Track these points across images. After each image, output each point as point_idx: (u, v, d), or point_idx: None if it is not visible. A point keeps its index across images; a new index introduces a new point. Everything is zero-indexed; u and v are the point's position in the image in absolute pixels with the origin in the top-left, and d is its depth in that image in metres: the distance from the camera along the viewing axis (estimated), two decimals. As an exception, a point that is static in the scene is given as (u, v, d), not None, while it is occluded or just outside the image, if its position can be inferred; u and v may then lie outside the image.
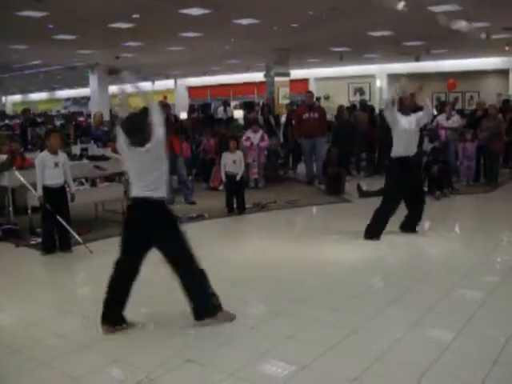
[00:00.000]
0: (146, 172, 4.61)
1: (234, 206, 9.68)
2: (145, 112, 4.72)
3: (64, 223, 7.05)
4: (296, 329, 4.60)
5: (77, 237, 7.18)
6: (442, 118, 12.76)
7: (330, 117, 15.60)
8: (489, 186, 11.79)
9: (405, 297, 5.41)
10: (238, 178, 9.72)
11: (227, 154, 9.84)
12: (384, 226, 7.54)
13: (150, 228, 4.62)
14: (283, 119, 15.34)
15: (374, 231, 7.53)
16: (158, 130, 4.60)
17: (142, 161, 4.61)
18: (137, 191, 4.66)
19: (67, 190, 7.36)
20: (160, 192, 4.64)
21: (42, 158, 7.14)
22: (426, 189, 10.91)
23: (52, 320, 5.05)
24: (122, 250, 4.74)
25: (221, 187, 11.70)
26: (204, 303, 4.76)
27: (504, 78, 23.67)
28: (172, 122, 10.44)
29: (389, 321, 4.78)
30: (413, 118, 7.55)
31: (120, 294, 4.72)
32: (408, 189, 7.52)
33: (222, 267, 6.53)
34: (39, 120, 19.33)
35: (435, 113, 12.68)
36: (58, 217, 7.02)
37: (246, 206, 9.80)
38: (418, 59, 21.67)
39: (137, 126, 4.63)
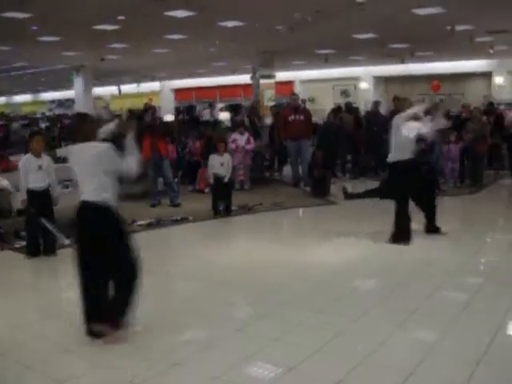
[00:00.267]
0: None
1: (220, 208, 9.67)
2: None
3: (49, 226, 7.00)
4: (282, 331, 4.60)
5: (62, 238, 7.08)
6: (427, 120, 12.81)
7: (316, 119, 15.65)
8: (474, 187, 11.87)
9: (389, 299, 5.43)
10: (225, 180, 9.72)
11: (215, 156, 9.83)
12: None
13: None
14: (267, 121, 15.31)
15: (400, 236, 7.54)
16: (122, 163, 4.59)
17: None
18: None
19: (51, 193, 7.31)
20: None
21: (26, 160, 7.09)
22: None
23: (36, 323, 5.03)
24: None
25: (207, 190, 11.68)
26: (117, 313, 4.52)
27: (488, 81, 23.86)
28: (158, 125, 10.39)
29: (373, 323, 4.80)
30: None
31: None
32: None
33: (208, 270, 6.54)
34: (24, 122, 19.24)
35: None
36: (42, 220, 6.97)
37: (232, 208, 9.79)
38: (403, 61, 21.80)
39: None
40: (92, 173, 4.53)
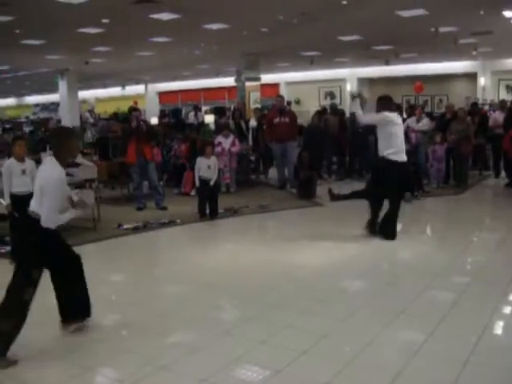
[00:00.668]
0: None
1: (207, 211, 9.64)
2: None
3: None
4: (269, 333, 4.59)
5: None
6: (411, 121, 12.88)
7: (301, 121, 15.68)
8: (458, 188, 11.93)
9: (376, 300, 5.44)
10: (211, 183, 9.69)
11: (202, 159, 9.80)
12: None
13: None
14: (252, 123, 15.30)
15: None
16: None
17: None
18: None
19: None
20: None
21: (9, 165, 7.04)
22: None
23: (22, 331, 4.95)
24: None
25: (192, 192, 11.66)
26: None
27: (472, 82, 24.03)
28: (142, 129, 10.33)
29: (360, 324, 4.80)
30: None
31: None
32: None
33: (195, 273, 6.52)
34: (7, 126, 19.10)
35: (405, 116, 12.79)
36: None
37: (219, 211, 9.77)
38: (387, 63, 21.91)
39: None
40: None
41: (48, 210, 4.38)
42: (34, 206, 4.50)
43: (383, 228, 7.73)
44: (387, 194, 7.70)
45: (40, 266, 4.47)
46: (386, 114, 7.63)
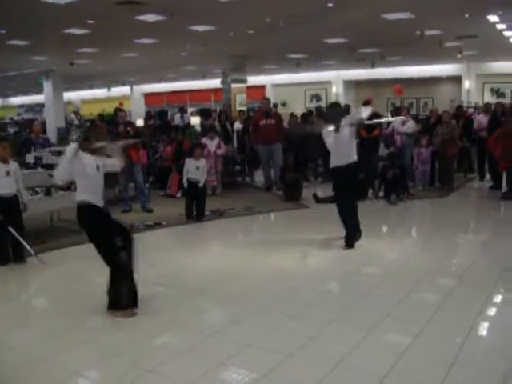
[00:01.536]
0: None
1: (194, 213, 9.61)
2: None
3: (16, 234, 6.84)
4: (255, 337, 4.58)
5: (28, 248, 6.95)
6: (397, 124, 12.94)
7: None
8: (444, 190, 11.99)
9: (362, 302, 5.44)
10: (200, 184, 9.67)
11: (191, 161, 9.77)
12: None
13: None
14: (236, 126, 15.28)
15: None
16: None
17: None
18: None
19: (20, 199, 7.18)
20: None
21: None
22: (381, 193, 11.09)
23: (6, 333, 4.92)
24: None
25: (178, 194, 11.63)
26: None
27: (457, 85, 24.19)
28: (129, 133, 10.22)
29: (346, 327, 4.80)
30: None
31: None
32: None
33: (180, 275, 6.50)
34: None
35: (391, 119, 12.82)
36: (9, 228, 6.83)
37: (205, 213, 9.75)
38: (373, 66, 21.99)
39: None
40: None
41: None
42: None
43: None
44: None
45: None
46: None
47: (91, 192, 5.16)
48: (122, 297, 5.05)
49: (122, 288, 5.05)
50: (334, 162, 7.52)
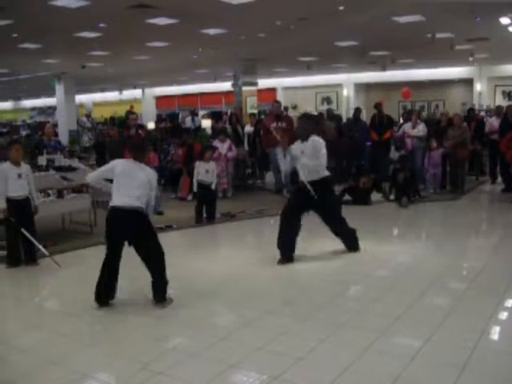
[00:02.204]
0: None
1: (204, 215, 9.63)
2: None
3: (29, 236, 6.89)
4: (265, 339, 4.58)
5: (43, 249, 7.01)
6: (407, 127, 12.92)
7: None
8: (455, 193, 11.94)
9: (373, 305, 5.43)
10: (212, 186, 9.69)
11: (201, 163, 9.79)
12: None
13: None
14: (247, 129, 15.28)
15: None
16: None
17: None
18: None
19: (31, 201, 7.23)
20: None
21: (4, 169, 6.99)
22: (392, 196, 11.07)
23: (18, 335, 4.95)
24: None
25: (189, 197, 11.65)
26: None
27: (469, 87, 24.10)
28: (140, 136, 10.26)
29: (356, 330, 4.78)
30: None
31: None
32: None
33: (191, 277, 6.51)
34: (3, 130, 19.12)
35: (401, 121, 12.83)
36: (22, 230, 6.88)
37: (216, 215, 9.76)
38: (384, 69, 21.96)
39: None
40: None
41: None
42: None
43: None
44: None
45: None
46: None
47: None
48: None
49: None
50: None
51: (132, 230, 5.39)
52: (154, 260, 5.46)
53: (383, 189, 11.40)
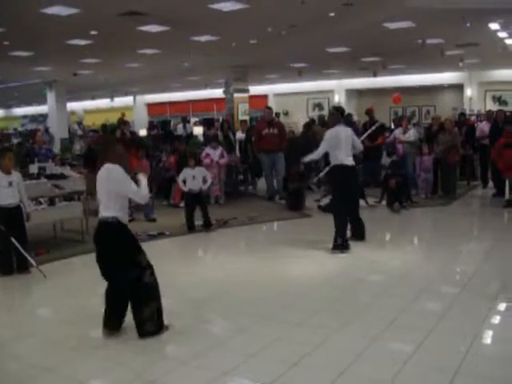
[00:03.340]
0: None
1: (196, 223, 9.62)
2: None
3: (18, 245, 6.84)
4: (259, 346, 4.57)
5: (30, 259, 6.97)
6: (398, 132, 12.97)
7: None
8: (446, 198, 11.98)
9: (366, 310, 5.44)
10: (203, 187, 9.76)
11: (187, 170, 9.79)
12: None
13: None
14: (239, 135, 15.29)
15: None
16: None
17: None
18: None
19: (23, 209, 7.20)
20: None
21: None
22: (384, 202, 11.09)
23: (10, 343, 4.92)
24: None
25: (181, 204, 11.63)
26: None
27: (459, 93, 24.22)
28: (131, 140, 10.29)
29: (350, 335, 4.79)
30: None
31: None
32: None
33: (184, 284, 6.49)
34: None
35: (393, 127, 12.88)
36: (12, 239, 6.83)
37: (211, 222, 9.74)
38: (375, 74, 22.04)
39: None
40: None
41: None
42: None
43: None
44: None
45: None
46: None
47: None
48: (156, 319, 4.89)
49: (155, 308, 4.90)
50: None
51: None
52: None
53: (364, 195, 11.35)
